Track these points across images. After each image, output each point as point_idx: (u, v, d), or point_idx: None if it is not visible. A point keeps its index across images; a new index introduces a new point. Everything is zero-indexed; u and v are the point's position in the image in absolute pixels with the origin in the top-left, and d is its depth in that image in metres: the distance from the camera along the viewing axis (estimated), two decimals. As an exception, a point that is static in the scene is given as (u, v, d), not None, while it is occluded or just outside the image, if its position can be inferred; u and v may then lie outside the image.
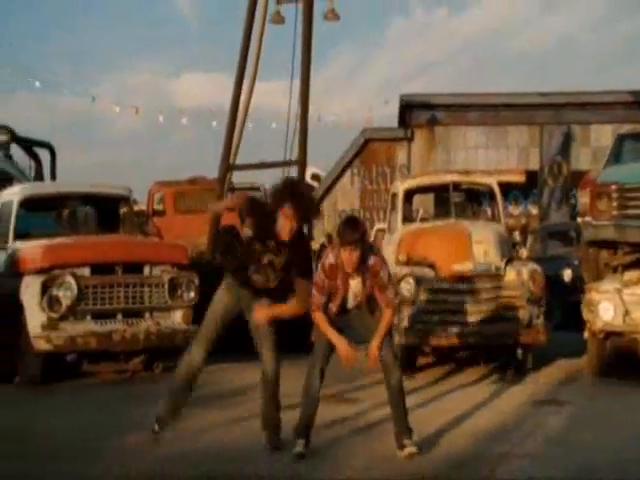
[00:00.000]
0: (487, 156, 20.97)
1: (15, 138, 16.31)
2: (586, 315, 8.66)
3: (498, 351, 9.37)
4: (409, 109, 21.02)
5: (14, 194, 10.20)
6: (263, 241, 5.83)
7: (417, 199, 12.12)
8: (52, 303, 8.51)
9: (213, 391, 8.04)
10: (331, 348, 5.85)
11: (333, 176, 21.44)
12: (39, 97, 67.75)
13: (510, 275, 9.09)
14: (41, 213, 10.43)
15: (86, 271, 8.77)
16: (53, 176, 16.97)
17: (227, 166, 12.44)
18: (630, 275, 8.78)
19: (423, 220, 11.01)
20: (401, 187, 10.82)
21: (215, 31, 58.56)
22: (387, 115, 37.60)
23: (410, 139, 21.08)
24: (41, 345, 8.43)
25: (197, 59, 63.24)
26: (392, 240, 10.18)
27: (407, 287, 8.91)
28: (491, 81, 57.91)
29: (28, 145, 16.79)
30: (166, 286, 8.98)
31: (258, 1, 12.33)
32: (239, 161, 12.72)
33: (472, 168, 18.96)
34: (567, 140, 20.74)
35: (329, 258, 5.75)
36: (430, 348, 9.35)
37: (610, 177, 9.46)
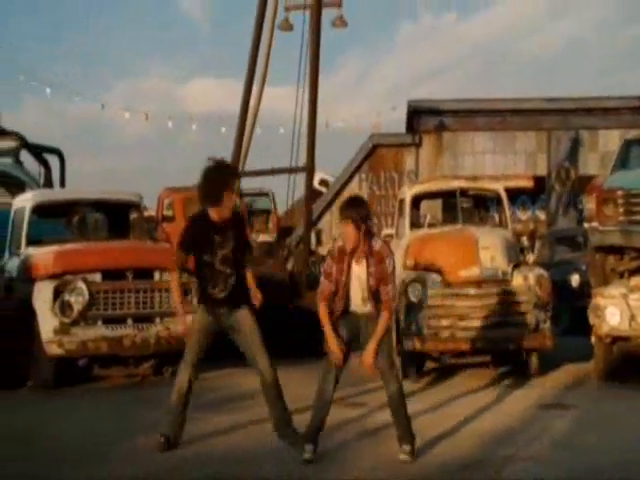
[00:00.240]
0: (495, 161, 20.95)
1: (25, 144, 16.45)
2: (592, 320, 8.71)
3: (505, 355, 9.43)
4: (417, 115, 21.03)
5: (26, 200, 10.31)
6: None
7: (425, 205, 12.16)
8: (64, 308, 8.62)
9: (220, 395, 8.13)
10: (347, 354, 5.84)
11: (341, 182, 21.45)
12: (48, 103, 68.13)
13: (517, 280, 9.14)
14: (53, 219, 10.54)
15: (97, 277, 8.87)
16: (62, 182, 17.09)
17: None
18: (636, 280, 8.84)
19: (430, 226, 11.02)
20: (409, 193, 10.89)
21: (226, 35, 58.68)
22: (395, 121, 37.78)
23: (418, 145, 21.09)
24: (53, 350, 8.53)
25: (207, 64, 63.49)
26: (400, 245, 10.23)
27: (414, 292, 8.98)
28: (499, 86, 57.91)
29: (38, 151, 16.91)
30: (176, 291, 9.05)
31: (267, 8, 12.46)
32: (247, 166, 12.81)
33: (480, 173, 19.02)
34: (575, 145, 20.71)
35: (338, 242, 5.80)
36: (437, 353, 9.42)
37: (616, 182, 9.46)
